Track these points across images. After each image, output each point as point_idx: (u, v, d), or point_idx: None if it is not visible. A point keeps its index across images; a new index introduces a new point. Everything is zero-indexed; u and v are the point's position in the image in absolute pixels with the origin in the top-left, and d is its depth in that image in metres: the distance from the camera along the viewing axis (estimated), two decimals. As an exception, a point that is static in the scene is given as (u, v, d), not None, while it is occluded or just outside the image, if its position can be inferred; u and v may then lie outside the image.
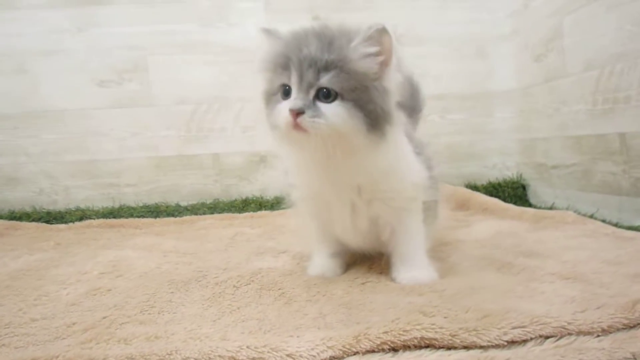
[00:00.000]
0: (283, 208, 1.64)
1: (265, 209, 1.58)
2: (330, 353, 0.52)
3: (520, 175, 1.74)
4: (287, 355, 0.51)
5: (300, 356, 0.51)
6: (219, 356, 0.51)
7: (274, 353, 0.51)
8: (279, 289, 0.75)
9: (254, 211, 1.56)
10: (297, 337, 0.55)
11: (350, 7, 1.71)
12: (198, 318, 0.65)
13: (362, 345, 0.53)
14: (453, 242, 1.01)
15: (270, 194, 1.70)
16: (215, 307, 0.69)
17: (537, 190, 1.66)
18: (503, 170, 1.79)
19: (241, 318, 0.64)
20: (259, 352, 0.52)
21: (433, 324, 0.54)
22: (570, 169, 1.43)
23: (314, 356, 0.51)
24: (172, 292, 0.76)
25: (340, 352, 0.52)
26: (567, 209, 1.41)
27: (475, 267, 0.82)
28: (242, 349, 0.52)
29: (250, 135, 1.71)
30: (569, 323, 0.54)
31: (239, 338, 0.56)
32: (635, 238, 0.93)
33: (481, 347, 0.52)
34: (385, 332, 0.54)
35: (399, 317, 0.57)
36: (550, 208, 1.47)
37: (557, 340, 0.52)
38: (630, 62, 1.16)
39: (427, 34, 1.76)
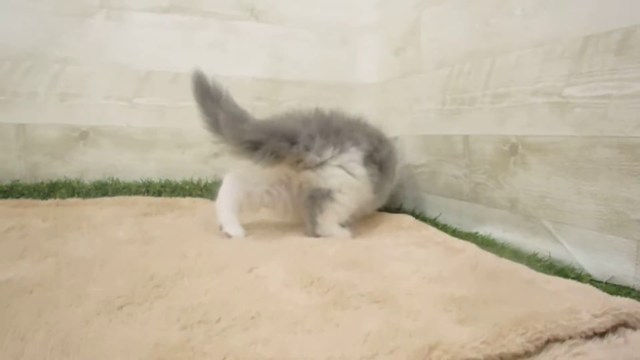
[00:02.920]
0: (103, 195, 1.43)
1: (79, 196, 1.31)
2: None
3: (374, 173, 1.67)
4: None
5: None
6: None
7: None
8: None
9: (62, 198, 1.28)
10: None
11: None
12: None
13: None
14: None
15: (90, 178, 1.43)
16: None
17: (387, 190, 1.59)
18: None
19: None
20: None
21: None
22: (419, 169, 1.37)
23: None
24: None
25: None
26: (413, 211, 1.35)
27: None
28: None
29: (71, 105, 1.43)
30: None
31: None
32: (464, 250, 0.86)
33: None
34: None
35: None
36: (398, 209, 1.41)
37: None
38: (478, 63, 1.11)
39: (290, 13, 1.61)
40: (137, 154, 1.48)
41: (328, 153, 0.97)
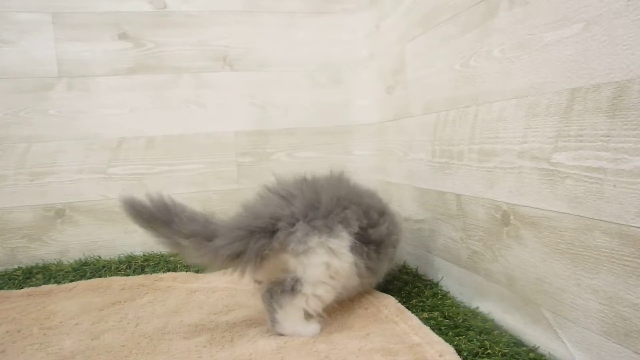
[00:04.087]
0: (80, 278, 1.34)
1: (55, 281, 1.23)
2: None
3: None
4: None
5: None
6: None
7: None
8: None
9: (37, 285, 1.20)
10: None
11: (168, 23, 1.41)
12: None
13: None
14: None
15: (72, 257, 1.37)
16: None
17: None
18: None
19: None
20: None
21: None
22: (418, 225, 1.21)
23: None
24: None
25: None
26: (416, 270, 1.19)
27: None
28: None
29: (42, 184, 1.36)
30: None
31: None
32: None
33: None
34: None
35: None
36: (401, 269, 1.25)
37: None
38: (462, 111, 0.94)
39: (271, 56, 1.49)
40: (118, 227, 1.41)
41: (314, 240, 0.83)
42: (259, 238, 0.79)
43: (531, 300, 0.79)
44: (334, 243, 0.83)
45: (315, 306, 0.84)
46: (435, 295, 1.04)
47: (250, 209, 0.85)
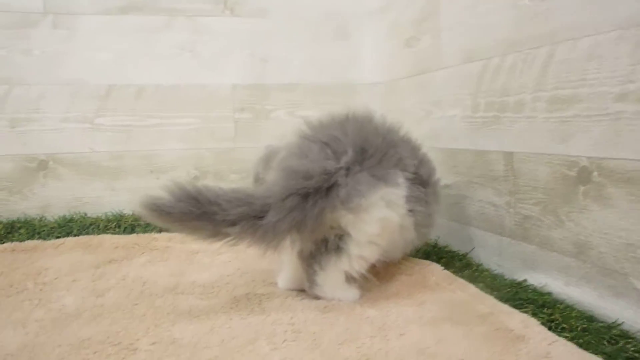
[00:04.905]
0: (67, 235, 1.15)
1: (40, 237, 1.09)
2: None
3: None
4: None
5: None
6: None
7: None
8: None
9: (20, 240, 1.05)
10: None
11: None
12: None
13: None
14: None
15: (54, 214, 1.20)
16: None
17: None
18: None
19: None
20: None
21: None
22: (444, 191, 1.08)
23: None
24: None
25: None
26: (436, 242, 1.07)
27: None
28: None
29: (23, 132, 1.19)
30: None
31: None
32: (525, 337, 0.57)
33: None
34: None
35: None
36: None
37: None
38: (527, 54, 0.82)
39: (272, 3, 1.32)
40: (105, 184, 1.26)
41: (377, 192, 0.69)
42: (316, 200, 0.66)
43: (614, 269, 0.68)
44: (393, 193, 0.70)
45: (359, 268, 0.72)
46: (468, 266, 0.93)
47: (294, 167, 0.69)
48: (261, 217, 0.64)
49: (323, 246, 0.70)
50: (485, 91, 0.92)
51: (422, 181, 0.79)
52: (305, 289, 0.74)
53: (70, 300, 0.75)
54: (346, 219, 0.69)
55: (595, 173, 0.70)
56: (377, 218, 0.69)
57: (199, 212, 0.63)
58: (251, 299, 0.74)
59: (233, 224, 0.63)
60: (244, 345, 0.59)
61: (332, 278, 0.71)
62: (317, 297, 0.73)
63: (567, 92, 0.74)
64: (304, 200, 0.65)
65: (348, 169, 0.69)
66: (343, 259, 0.70)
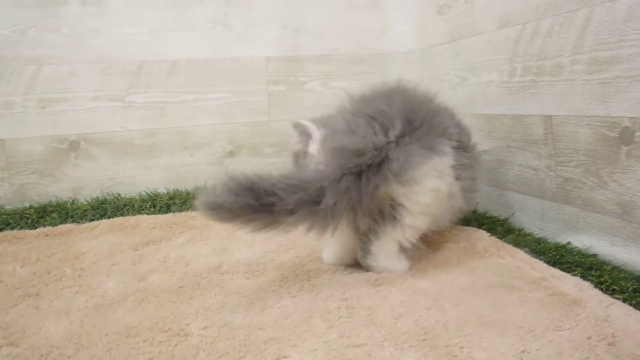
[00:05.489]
0: (101, 217, 1.21)
1: (72, 220, 1.09)
2: None
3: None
4: None
5: None
6: None
7: None
8: None
9: (53, 225, 1.06)
10: None
11: None
12: None
13: None
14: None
15: (86, 195, 1.22)
16: None
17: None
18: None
19: None
20: None
21: None
22: (481, 157, 1.09)
23: None
24: None
25: None
26: (475, 209, 1.08)
27: None
28: None
29: (54, 112, 1.20)
30: None
31: None
32: (580, 301, 0.59)
33: None
34: None
35: None
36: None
37: None
38: (564, 17, 0.81)
39: (303, -27, 1.32)
40: (138, 162, 1.27)
41: (428, 164, 0.70)
42: (369, 177, 0.67)
43: (659, 228, 0.69)
44: (442, 163, 0.72)
45: (411, 237, 0.74)
46: (510, 231, 0.94)
47: (345, 145, 0.69)
48: (318, 202, 0.63)
49: (380, 217, 0.72)
50: (522, 55, 0.92)
51: (464, 147, 0.80)
52: (358, 259, 0.76)
53: (112, 286, 0.73)
54: (399, 192, 0.70)
55: (638, 133, 0.70)
56: (429, 188, 0.70)
57: (257, 205, 0.62)
58: (299, 275, 0.74)
59: (292, 213, 0.62)
60: (298, 324, 0.58)
61: (386, 247, 0.73)
62: (368, 268, 0.75)
63: (606, 54, 0.73)
64: (357, 179, 0.66)
65: (397, 142, 0.69)
66: (398, 229, 0.72)
